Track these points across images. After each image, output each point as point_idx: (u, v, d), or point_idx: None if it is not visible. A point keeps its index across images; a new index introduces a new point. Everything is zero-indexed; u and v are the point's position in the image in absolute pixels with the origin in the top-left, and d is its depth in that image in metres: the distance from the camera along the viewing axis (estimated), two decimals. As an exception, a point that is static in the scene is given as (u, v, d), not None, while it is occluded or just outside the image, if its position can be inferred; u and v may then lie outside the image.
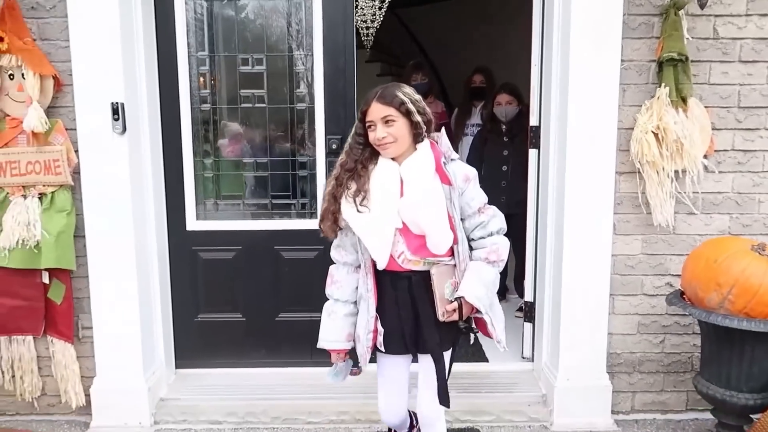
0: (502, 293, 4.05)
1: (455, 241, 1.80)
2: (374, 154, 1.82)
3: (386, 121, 1.75)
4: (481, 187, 1.86)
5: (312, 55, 2.78)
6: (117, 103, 2.47)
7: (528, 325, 3.04)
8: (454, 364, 1.99)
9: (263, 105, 2.85)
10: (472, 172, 1.84)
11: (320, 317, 1.99)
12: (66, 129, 2.52)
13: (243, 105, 2.85)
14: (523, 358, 3.08)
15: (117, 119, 2.47)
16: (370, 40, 5.17)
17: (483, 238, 1.85)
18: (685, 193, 2.56)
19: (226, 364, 2.96)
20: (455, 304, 1.79)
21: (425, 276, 1.81)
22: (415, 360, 1.96)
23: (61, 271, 2.56)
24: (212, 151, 2.89)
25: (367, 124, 1.79)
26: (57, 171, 2.48)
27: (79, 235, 2.58)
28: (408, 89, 1.81)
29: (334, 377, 2.00)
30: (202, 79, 2.81)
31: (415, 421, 2.13)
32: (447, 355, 1.90)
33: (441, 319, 1.80)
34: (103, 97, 2.47)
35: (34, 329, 2.62)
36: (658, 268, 2.65)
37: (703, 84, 2.50)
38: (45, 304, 2.61)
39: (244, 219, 2.91)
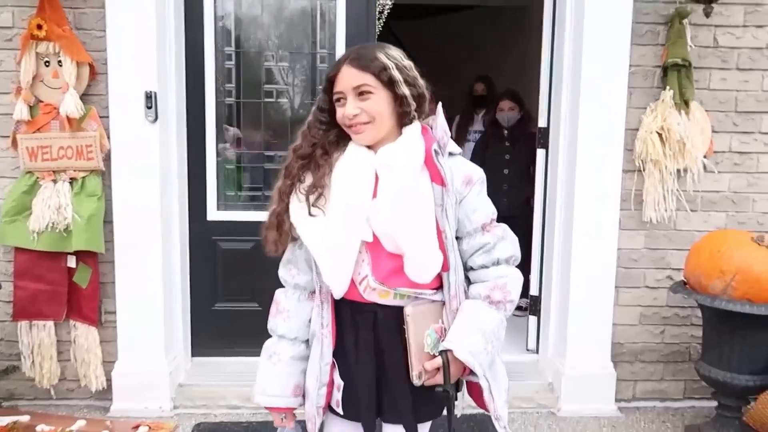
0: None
1: (445, 267, 1.28)
2: (342, 138, 1.33)
3: (360, 93, 1.26)
4: None
5: (334, 54, 2.91)
6: (151, 91, 2.55)
7: (533, 318, 3.17)
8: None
9: (285, 100, 2.96)
10: (477, 174, 1.33)
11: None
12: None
13: (266, 99, 2.95)
14: (528, 350, 3.21)
15: (150, 107, 2.56)
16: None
17: (486, 267, 1.33)
18: (685, 191, 2.74)
19: (242, 352, 3.01)
20: (439, 361, 1.25)
21: (398, 313, 1.29)
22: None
23: (88, 256, 2.62)
24: (235, 144, 2.98)
25: (334, 97, 1.30)
26: (89, 156, 2.55)
27: (106, 220, 2.64)
28: (394, 51, 1.31)
29: None
30: (227, 71, 2.91)
31: None
32: (426, 427, 1.40)
33: (416, 382, 1.27)
34: (137, 86, 2.56)
35: (56, 314, 2.66)
36: (660, 262, 2.81)
37: (703, 89, 2.70)
38: (68, 288, 2.66)
39: (263, 210, 2.99)
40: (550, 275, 2.96)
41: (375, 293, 1.29)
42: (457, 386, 1.32)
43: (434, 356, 1.27)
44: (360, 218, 1.26)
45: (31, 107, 2.55)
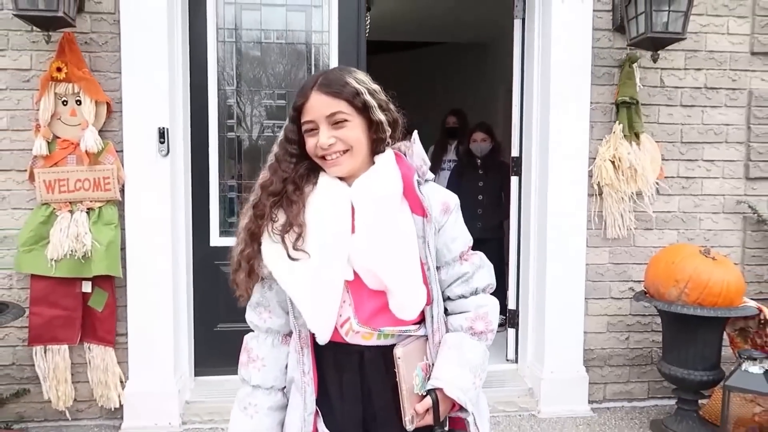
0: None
1: (428, 300, 1.24)
2: (312, 170, 1.26)
3: (335, 122, 1.20)
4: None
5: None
6: (163, 127, 2.78)
7: (512, 331, 3.47)
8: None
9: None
10: (453, 200, 1.29)
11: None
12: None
13: (265, 133, 3.20)
14: (507, 360, 3.50)
15: (162, 142, 2.78)
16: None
17: (464, 297, 1.29)
18: (643, 212, 3.11)
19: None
20: (428, 401, 1.21)
21: (385, 352, 1.23)
22: None
23: (104, 280, 2.78)
24: (235, 174, 3.21)
25: (303, 127, 1.23)
26: (107, 187, 2.74)
27: (120, 247, 2.82)
28: (361, 74, 1.26)
29: None
30: (228, 108, 3.15)
31: None
32: None
33: (409, 427, 1.21)
34: (151, 122, 2.78)
35: (71, 338, 2.80)
36: (622, 275, 3.16)
37: (653, 123, 3.09)
38: (82, 312, 2.81)
39: (263, 236, 3.23)
40: (527, 290, 3.27)
41: (358, 336, 1.23)
42: (442, 423, 1.24)
43: (422, 396, 1.22)
44: (342, 256, 1.19)
45: (48, 143, 2.73)
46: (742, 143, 3.16)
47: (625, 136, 3.01)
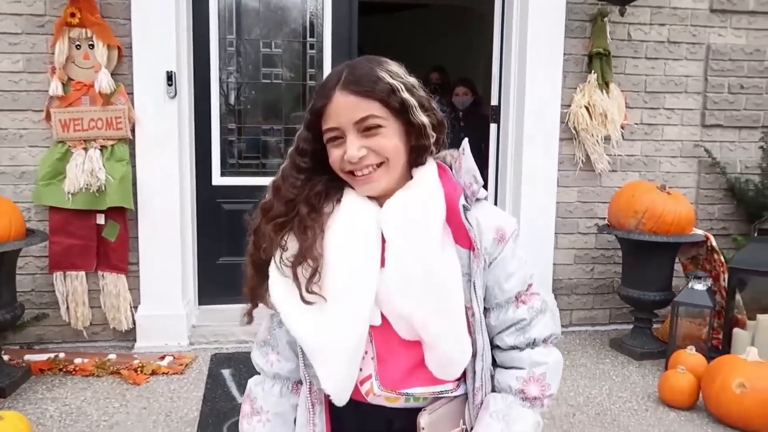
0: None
1: (473, 353, 1.01)
2: (332, 188, 1.03)
3: (367, 129, 0.97)
4: None
5: (323, 42, 3.42)
6: (171, 71, 3.00)
7: (489, 266, 3.79)
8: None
9: (279, 81, 3.46)
10: (510, 226, 1.04)
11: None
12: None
13: (263, 80, 3.43)
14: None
15: (170, 85, 3.00)
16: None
17: (517, 349, 1.04)
18: (609, 155, 3.42)
19: (244, 301, 3.48)
20: None
21: (416, 414, 1.02)
22: None
23: (116, 213, 3.02)
24: (235, 118, 3.44)
25: (326, 135, 1.00)
26: (118, 126, 2.96)
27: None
28: (395, 66, 1.02)
29: None
30: (228, 56, 3.37)
31: None
32: None
33: None
34: (159, 66, 2.99)
35: (88, 265, 3.06)
36: (589, 213, 3.49)
37: (620, 73, 3.39)
38: (97, 243, 3.06)
39: (262, 176, 3.49)
40: (503, 227, 3.58)
41: (381, 398, 1.01)
42: None
43: None
44: (368, 298, 0.96)
45: (63, 84, 2.94)
46: (700, 93, 3.47)
47: (598, 84, 3.30)
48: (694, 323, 2.87)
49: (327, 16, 3.40)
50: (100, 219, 3.03)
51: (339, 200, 1.02)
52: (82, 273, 3.06)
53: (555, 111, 3.34)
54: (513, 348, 1.04)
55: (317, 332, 0.97)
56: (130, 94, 3.01)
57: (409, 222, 0.97)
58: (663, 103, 3.46)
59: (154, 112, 3.02)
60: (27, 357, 2.87)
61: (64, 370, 2.77)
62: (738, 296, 2.86)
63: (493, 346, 1.06)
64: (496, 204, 3.66)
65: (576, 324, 3.57)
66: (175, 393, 2.61)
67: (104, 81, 2.88)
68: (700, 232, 3.03)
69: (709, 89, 3.46)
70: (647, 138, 3.48)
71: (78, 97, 2.96)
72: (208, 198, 3.42)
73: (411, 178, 1.02)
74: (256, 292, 1.06)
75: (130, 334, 3.16)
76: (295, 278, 0.97)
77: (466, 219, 0.98)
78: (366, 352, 0.99)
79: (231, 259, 3.47)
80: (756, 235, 2.83)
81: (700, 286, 2.82)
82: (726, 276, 2.94)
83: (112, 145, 2.99)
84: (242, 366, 2.89)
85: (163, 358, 2.95)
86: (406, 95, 0.98)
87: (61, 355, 2.91)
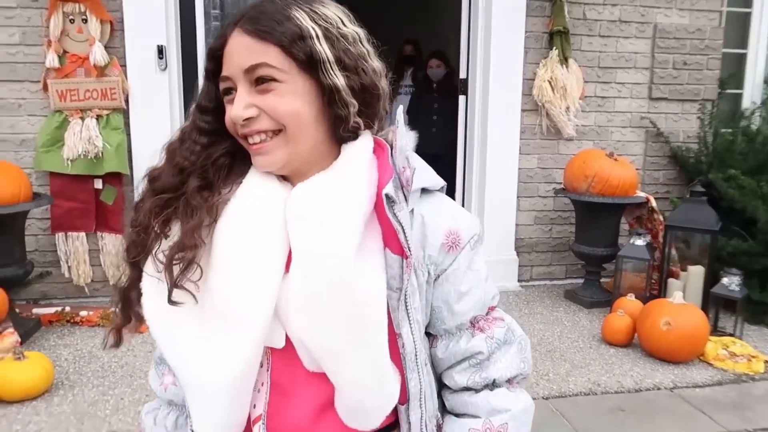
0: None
1: (402, 398, 0.79)
2: (239, 163, 0.82)
3: (258, 79, 0.75)
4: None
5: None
6: (161, 45, 3.20)
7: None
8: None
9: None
10: (468, 228, 0.83)
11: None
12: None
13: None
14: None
15: (161, 58, 3.21)
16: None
17: (473, 390, 0.84)
18: (569, 124, 3.76)
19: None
20: None
21: None
22: None
23: (113, 178, 3.26)
24: (221, 90, 3.67)
25: (221, 86, 0.80)
26: (113, 97, 3.17)
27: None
28: (331, 7, 0.79)
29: None
30: (213, 30, 3.57)
31: None
32: None
33: None
34: (150, 40, 3.20)
35: (87, 227, 3.29)
36: (548, 178, 3.85)
37: (576, 50, 3.71)
38: (96, 206, 3.29)
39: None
40: (471, 190, 3.92)
41: None
42: None
43: None
44: (263, 312, 0.75)
45: (59, 57, 3.12)
46: (648, 69, 3.82)
47: (559, 60, 3.61)
48: (635, 275, 3.27)
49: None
50: (98, 184, 3.26)
51: (240, 182, 0.80)
52: (83, 234, 3.30)
53: (517, 84, 3.65)
54: (466, 389, 0.83)
55: (190, 354, 0.75)
56: (123, 66, 3.22)
57: (320, 216, 0.74)
58: (614, 77, 3.80)
59: (146, 83, 3.23)
60: (35, 310, 3.12)
61: (72, 321, 3.04)
62: (673, 250, 3.26)
63: (442, 386, 0.86)
64: (464, 171, 3.98)
65: (535, 279, 3.96)
66: (175, 339, 2.90)
67: (98, 54, 3.08)
68: (642, 194, 3.40)
69: (655, 65, 3.80)
70: (600, 110, 3.83)
71: (73, 69, 3.15)
72: (196, 164, 3.66)
73: (337, 157, 0.79)
74: (127, 296, 0.80)
75: (127, 291, 3.42)
76: (169, 274, 0.74)
77: (393, 214, 0.74)
78: (262, 384, 0.78)
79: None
80: (689, 196, 3.21)
81: (640, 242, 3.21)
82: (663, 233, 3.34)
83: (108, 115, 3.21)
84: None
85: (160, 311, 3.23)
86: (318, 45, 0.74)
87: (68, 308, 3.17)
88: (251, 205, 0.78)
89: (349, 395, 0.76)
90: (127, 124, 3.26)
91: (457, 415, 0.85)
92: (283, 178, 0.81)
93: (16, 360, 2.28)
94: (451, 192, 3.98)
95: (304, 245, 0.74)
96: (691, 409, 2.34)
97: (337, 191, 0.75)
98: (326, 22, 0.77)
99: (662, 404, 2.39)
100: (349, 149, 0.79)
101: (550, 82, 3.61)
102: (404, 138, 0.80)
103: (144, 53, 3.21)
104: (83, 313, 3.11)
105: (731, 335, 2.89)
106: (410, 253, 0.75)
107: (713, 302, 2.99)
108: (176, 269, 0.74)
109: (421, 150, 0.84)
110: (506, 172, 3.74)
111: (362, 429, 0.77)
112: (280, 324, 0.77)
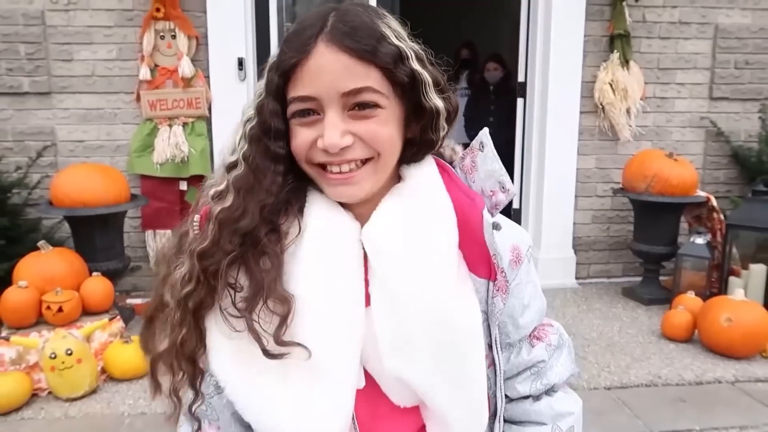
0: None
1: (492, 414, 0.82)
2: (294, 192, 0.76)
3: (360, 105, 0.70)
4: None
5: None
6: (242, 57, 3.47)
7: (515, 226, 4.27)
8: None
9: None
10: (525, 241, 0.84)
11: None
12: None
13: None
14: (511, 250, 4.31)
15: (241, 69, 3.48)
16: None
17: (533, 399, 0.85)
18: (629, 125, 3.82)
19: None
20: None
21: None
22: None
23: (197, 180, 3.54)
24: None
25: (293, 107, 0.73)
26: (198, 106, 3.46)
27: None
28: (396, 23, 0.73)
29: None
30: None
31: None
32: None
33: None
34: (231, 53, 3.47)
35: (173, 225, 3.57)
36: (605, 178, 3.93)
37: (636, 52, 3.77)
38: (181, 205, 3.59)
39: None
40: (528, 192, 4.04)
41: None
42: None
43: None
44: (353, 356, 0.71)
45: (151, 70, 3.43)
46: (708, 69, 3.85)
47: (620, 63, 3.70)
48: (694, 273, 3.33)
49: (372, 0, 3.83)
50: (183, 185, 3.56)
51: (300, 209, 0.74)
52: (169, 231, 3.59)
53: (576, 87, 3.75)
54: (527, 398, 0.83)
55: (278, 407, 0.70)
56: (207, 77, 3.50)
57: (410, 251, 0.69)
58: (674, 78, 3.85)
59: (227, 93, 3.50)
60: (129, 300, 3.44)
61: (162, 310, 3.33)
62: (734, 249, 3.30)
63: (506, 398, 0.84)
64: (521, 172, 4.11)
65: (593, 276, 4.04)
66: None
67: (186, 67, 3.37)
68: (702, 193, 3.45)
69: (716, 65, 3.83)
70: (659, 110, 3.88)
71: (163, 81, 3.46)
72: (269, 167, 3.92)
73: (398, 179, 0.75)
74: (187, 348, 0.72)
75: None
76: (252, 331, 0.68)
77: (492, 240, 0.73)
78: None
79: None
80: (751, 196, 3.24)
81: (700, 240, 3.27)
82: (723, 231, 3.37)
83: (193, 122, 3.50)
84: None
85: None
86: (416, 66, 0.69)
87: (155, 300, 3.47)
88: (328, 244, 0.71)
89: (450, 421, 0.74)
90: (209, 131, 3.55)
91: (518, 424, 0.85)
92: (341, 205, 0.74)
93: (124, 343, 2.57)
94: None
95: (394, 281, 0.69)
96: (752, 402, 2.42)
97: (423, 219, 0.71)
98: (406, 41, 0.71)
99: (723, 396, 2.47)
100: (414, 172, 0.75)
101: (611, 84, 3.69)
102: (495, 161, 0.79)
103: (226, 65, 3.48)
104: (171, 303, 3.41)
105: (794, 333, 2.93)
106: (498, 270, 0.75)
107: (775, 300, 3.02)
108: (261, 323, 0.68)
109: None
110: (565, 173, 3.85)
111: None
112: (359, 362, 0.72)
